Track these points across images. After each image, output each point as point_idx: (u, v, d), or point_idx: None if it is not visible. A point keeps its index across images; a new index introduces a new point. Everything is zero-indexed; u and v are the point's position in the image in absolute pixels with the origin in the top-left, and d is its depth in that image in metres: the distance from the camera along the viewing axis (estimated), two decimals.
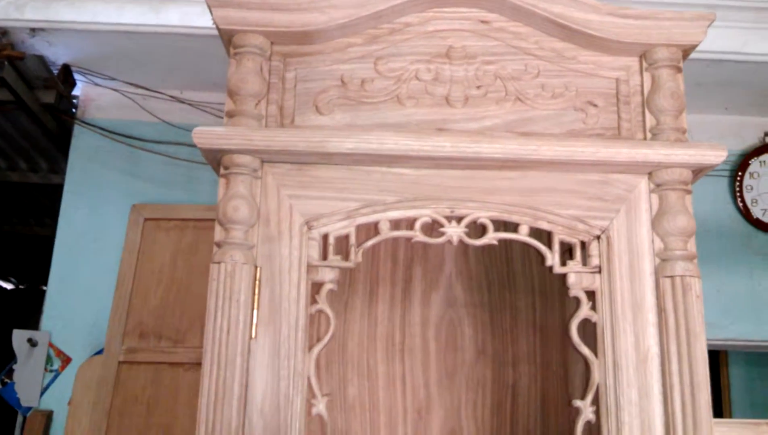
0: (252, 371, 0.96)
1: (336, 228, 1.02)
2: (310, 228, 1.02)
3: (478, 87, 1.05)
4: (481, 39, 1.07)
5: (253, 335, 0.97)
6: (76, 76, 2.99)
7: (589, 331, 1.02)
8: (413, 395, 1.37)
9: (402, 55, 1.07)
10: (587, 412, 0.98)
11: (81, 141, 3.10)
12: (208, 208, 3.00)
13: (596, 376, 0.98)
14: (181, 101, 3.13)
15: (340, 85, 1.06)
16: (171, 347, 2.82)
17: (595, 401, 0.98)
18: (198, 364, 2.87)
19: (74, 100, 3.11)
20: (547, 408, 1.42)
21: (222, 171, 1.02)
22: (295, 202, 1.02)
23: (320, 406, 0.98)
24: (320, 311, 1.01)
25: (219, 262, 0.98)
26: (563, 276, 1.03)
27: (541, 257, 1.41)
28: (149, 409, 2.74)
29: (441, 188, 1.02)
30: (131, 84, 3.06)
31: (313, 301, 1.01)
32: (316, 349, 0.99)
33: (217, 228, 1.01)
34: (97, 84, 3.06)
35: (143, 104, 3.11)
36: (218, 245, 0.99)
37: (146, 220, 2.98)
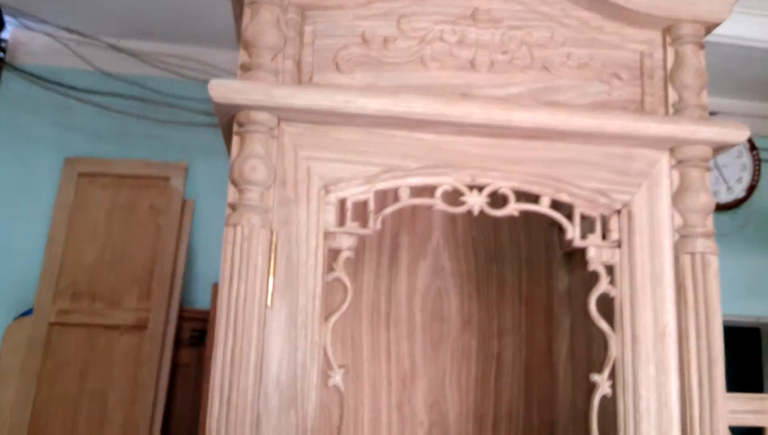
0: (268, 340, 0.91)
1: (354, 193, 0.98)
2: (327, 192, 0.96)
3: (504, 52, 1.02)
4: (506, 2, 1.04)
5: (269, 303, 0.92)
6: (6, 18, 2.77)
7: (600, 305, 1.02)
8: (398, 365, 1.34)
9: (426, 15, 1.02)
10: (604, 387, 0.98)
11: (9, 88, 2.90)
12: (148, 164, 2.87)
13: (614, 350, 0.98)
14: (119, 49, 2.94)
15: (361, 42, 1.00)
16: (106, 309, 2.70)
17: (612, 376, 0.98)
18: (135, 327, 2.76)
19: (2, 44, 2.89)
20: (530, 379, 1.43)
21: (236, 128, 0.96)
22: (313, 163, 0.96)
23: (337, 378, 0.94)
24: (337, 279, 0.96)
25: (234, 225, 0.92)
26: (564, 249, 1.02)
27: (529, 229, 1.43)
28: (82, 374, 2.62)
29: (464, 156, 0.99)
30: (65, 29, 2.87)
31: (330, 268, 0.96)
32: (333, 319, 0.95)
33: (231, 189, 0.94)
34: (28, 27, 2.85)
35: (77, 51, 2.93)
36: (232, 207, 0.93)
37: (80, 174, 2.82)
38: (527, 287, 1.41)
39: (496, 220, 1.42)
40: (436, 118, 0.95)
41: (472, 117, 0.95)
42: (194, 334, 2.71)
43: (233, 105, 0.93)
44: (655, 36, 1.05)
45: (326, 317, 0.95)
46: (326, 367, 0.94)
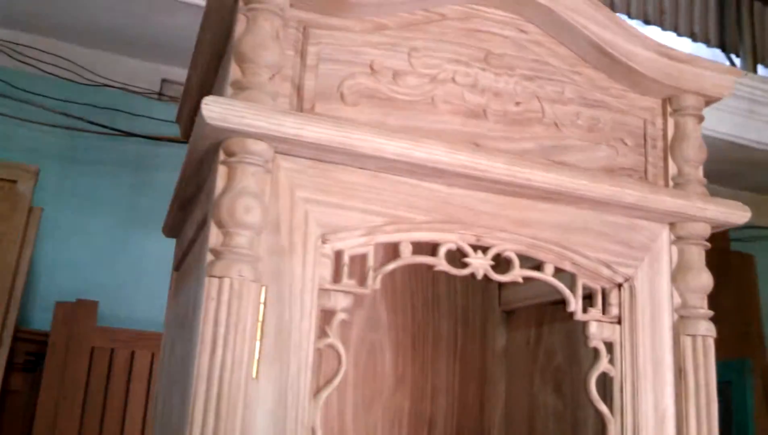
0: (251, 423, 0.74)
1: (352, 245, 0.84)
2: (324, 242, 0.82)
3: (517, 103, 0.93)
4: (520, 50, 0.95)
5: (254, 375, 0.75)
6: None
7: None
8: (326, 425, 1.20)
9: (438, 51, 0.91)
10: None
11: None
12: None
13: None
14: None
15: (370, 73, 0.87)
16: None
17: None
18: None
19: None
20: None
21: (223, 157, 0.79)
22: (312, 208, 0.82)
23: None
24: (329, 346, 0.81)
25: (221, 277, 0.74)
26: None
27: (466, 282, 1.35)
28: None
29: (473, 212, 0.89)
30: None
31: (323, 333, 0.81)
32: (324, 394, 0.80)
33: (214, 230, 0.77)
34: None
35: None
36: (215, 253, 0.76)
37: None
38: (462, 344, 1.33)
39: (434, 272, 1.32)
40: (456, 169, 0.84)
41: (494, 171, 0.85)
42: (29, 358, 2.36)
43: (228, 129, 0.76)
44: (656, 104, 1.02)
45: (315, 392, 0.80)
46: None
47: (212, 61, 0.98)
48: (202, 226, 0.90)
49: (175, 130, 3.37)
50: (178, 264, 1.20)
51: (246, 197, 0.76)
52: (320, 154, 0.81)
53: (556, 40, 0.97)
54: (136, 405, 2.92)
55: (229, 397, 0.72)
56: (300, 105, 0.83)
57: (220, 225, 0.77)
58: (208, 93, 0.94)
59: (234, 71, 0.81)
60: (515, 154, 0.90)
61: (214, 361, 0.73)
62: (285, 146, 0.80)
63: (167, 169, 3.38)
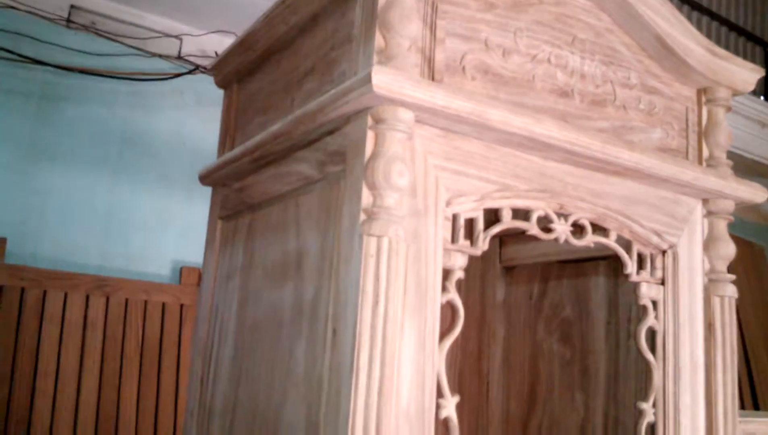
0: (400, 370, 0.82)
1: (466, 209, 0.91)
2: (447, 205, 0.89)
3: (597, 86, 1.04)
4: (598, 36, 1.05)
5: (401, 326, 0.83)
6: None
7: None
8: None
9: (537, 33, 0.99)
10: (650, 414, 1.05)
11: None
12: None
13: (657, 381, 1.06)
14: None
15: (485, 49, 0.94)
16: None
17: (654, 404, 1.06)
18: None
19: None
20: (462, 385, 1.47)
21: (371, 123, 0.83)
22: (441, 174, 0.88)
23: (450, 408, 0.87)
24: (449, 301, 0.89)
25: (380, 236, 0.80)
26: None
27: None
28: None
29: (562, 183, 0.99)
30: None
31: (444, 289, 0.89)
32: (447, 343, 0.88)
33: (365, 191, 0.82)
34: None
35: None
36: (370, 214, 0.81)
37: None
38: (463, 295, 1.44)
39: None
40: (563, 145, 0.93)
41: (592, 148, 0.95)
42: None
43: (389, 97, 0.81)
44: (692, 94, 1.15)
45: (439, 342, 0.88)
46: (438, 396, 0.87)
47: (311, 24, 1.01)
48: (311, 182, 0.95)
49: (86, 61, 3.22)
50: (228, 214, 1.22)
51: (398, 162, 0.82)
52: (450, 123, 0.88)
53: (623, 29, 1.08)
54: (50, 346, 2.83)
55: (391, 346, 0.79)
56: (432, 76, 0.89)
57: (373, 187, 0.82)
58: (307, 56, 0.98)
59: (378, 40, 0.85)
60: (596, 132, 1.00)
61: (377, 312, 0.79)
62: (424, 115, 0.85)
63: (76, 102, 3.22)
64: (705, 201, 1.12)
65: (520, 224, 0.97)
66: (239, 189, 1.19)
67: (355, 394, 0.77)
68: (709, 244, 1.11)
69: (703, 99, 1.15)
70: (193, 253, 3.21)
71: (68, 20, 3.43)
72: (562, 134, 0.92)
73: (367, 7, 0.88)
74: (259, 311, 1.04)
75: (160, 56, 3.35)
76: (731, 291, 1.10)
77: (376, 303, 0.79)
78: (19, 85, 3.17)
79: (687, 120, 1.13)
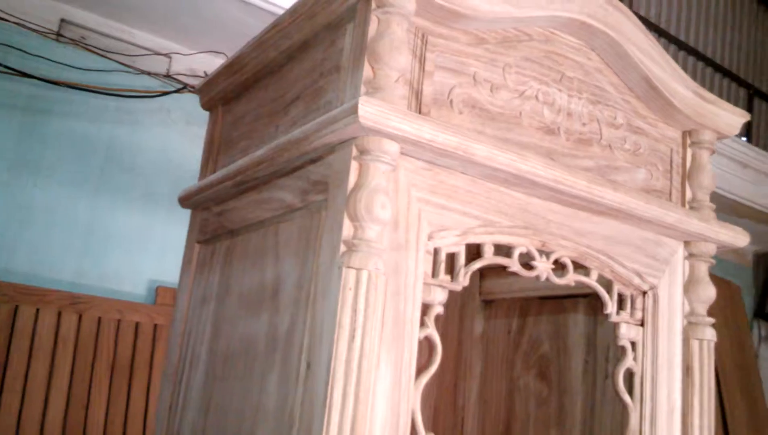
0: (375, 407, 0.80)
1: (448, 243, 0.90)
2: (429, 239, 0.88)
3: (583, 124, 1.04)
4: (586, 75, 1.05)
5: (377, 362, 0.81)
6: None
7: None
8: None
9: (526, 69, 0.99)
10: None
11: None
12: None
13: (633, 423, 1.05)
14: None
15: (473, 84, 0.94)
16: None
17: None
18: None
19: None
20: (437, 419, 1.45)
21: (355, 153, 0.83)
22: (424, 207, 0.87)
23: None
24: (427, 337, 0.88)
25: (359, 268, 0.79)
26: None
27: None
28: None
29: (545, 220, 0.98)
30: None
31: (422, 323, 0.88)
32: (423, 380, 0.86)
33: (346, 223, 0.81)
34: None
35: None
36: (350, 246, 0.80)
37: None
38: (441, 328, 1.43)
39: None
40: (548, 183, 0.93)
41: (576, 187, 0.95)
42: None
43: (374, 129, 0.80)
44: (677, 135, 1.15)
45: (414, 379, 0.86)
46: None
47: (303, 50, 1.00)
48: (292, 210, 0.94)
49: (73, 76, 3.20)
50: (206, 238, 1.20)
51: (380, 195, 0.81)
52: (435, 157, 0.87)
53: (612, 69, 1.08)
54: (19, 362, 2.78)
55: (366, 382, 0.78)
56: (419, 109, 0.88)
57: (354, 218, 0.81)
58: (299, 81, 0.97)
59: (367, 70, 0.84)
60: (582, 171, 1.00)
61: (353, 347, 0.78)
62: (410, 147, 0.85)
63: (62, 116, 3.19)
64: (687, 243, 1.12)
65: (501, 260, 0.96)
66: (219, 213, 1.17)
67: (327, 431, 0.76)
68: (689, 286, 1.11)
69: (688, 141, 1.15)
70: (171, 273, 3.17)
71: (58, 34, 3.42)
72: (548, 172, 0.92)
73: (357, 36, 0.88)
74: (232, 340, 1.02)
75: (148, 74, 3.34)
76: (710, 334, 1.10)
77: (352, 337, 0.78)
78: (4, 97, 3.14)
79: (671, 161, 1.14)
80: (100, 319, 2.95)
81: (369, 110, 0.78)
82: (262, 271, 0.99)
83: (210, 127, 1.31)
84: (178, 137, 3.35)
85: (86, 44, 3.30)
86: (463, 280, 0.92)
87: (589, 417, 1.26)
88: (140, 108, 3.33)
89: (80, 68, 3.21)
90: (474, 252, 0.95)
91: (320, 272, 0.84)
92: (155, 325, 3.07)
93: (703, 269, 1.12)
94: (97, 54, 3.27)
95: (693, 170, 1.14)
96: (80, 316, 2.91)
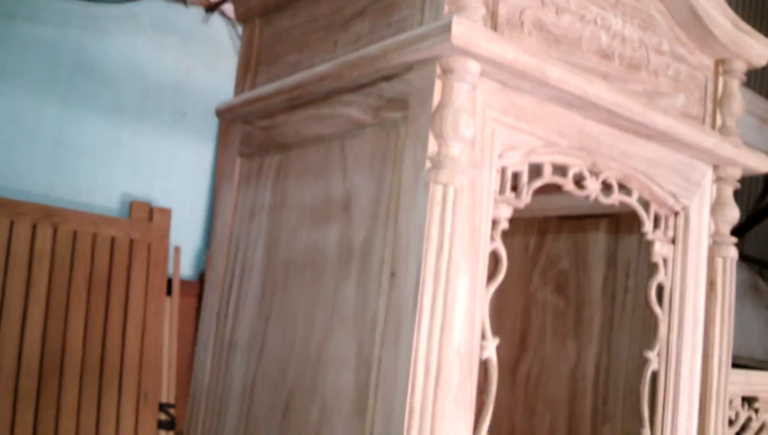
0: (451, 310, 0.85)
1: (514, 162, 0.95)
2: (498, 158, 0.92)
3: (634, 50, 1.07)
4: (638, 1, 1.08)
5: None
6: None
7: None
8: None
9: None
10: (654, 363, 1.12)
11: None
12: None
13: (662, 332, 1.13)
14: None
15: (541, 5, 0.96)
16: None
17: (658, 353, 1.13)
18: None
19: None
20: None
21: (439, 72, 0.85)
22: (497, 127, 0.91)
23: (491, 349, 0.92)
24: (494, 250, 0.93)
25: (446, 184, 0.83)
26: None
27: None
28: None
29: (598, 142, 1.03)
30: None
31: (491, 238, 0.92)
32: (492, 288, 0.92)
33: (432, 140, 0.84)
34: None
35: None
36: (436, 162, 0.84)
37: None
38: None
39: None
40: (609, 107, 0.97)
41: (633, 110, 0.99)
42: None
43: (463, 49, 0.82)
44: (711, 64, 1.20)
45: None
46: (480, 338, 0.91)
47: None
48: (361, 127, 0.96)
49: None
50: (250, 151, 1.21)
51: (464, 114, 0.84)
52: (509, 78, 0.90)
53: None
54: None
55: (452, 289, 0.83)
56: (494, 29, 0.90)
57: (439, 136, 0.84)
58: None
59: None
60: (633, 95, 1.04)
61: (441, 257, 0.82)
62: (488, 68, 0.87)
63: (25, 20, 3.06)
64: (715, 167, 1.19)
65: (558, 180, 1.00)
66: (265, 127, 1.18)
67: (417, 333, 0.81)
68: (716, 207, 1.18)
69: (720, 69, 1.20)
70: (143, 187, 3.13)
71: None
72: (611, 96, 0.96)
73: None
74: (293, 250, 1.06)
75: None
76: (732, 252, 1.18)
77: (440, 248, 0.82)
78: None
79: (706, 88, 1.19)
80: (75, 232, 2.90)
81: (461, 30, 0.80)
82: (327, 186, 1.01)
83: (246, 40, 1.30)
84: (147, 46, 3.24)
85: None
86: (526, 197, 0.96)
87: (607, 328, 1.35)
88: (107, 14, 3.20)
89: None
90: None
91: (402, 188, 0.87)
92: (131, 240, 3.04)
93: (728, 192, 1.19)
94: None
95: (724, 98, 1.19)
96: (55, 230, 2.86)
